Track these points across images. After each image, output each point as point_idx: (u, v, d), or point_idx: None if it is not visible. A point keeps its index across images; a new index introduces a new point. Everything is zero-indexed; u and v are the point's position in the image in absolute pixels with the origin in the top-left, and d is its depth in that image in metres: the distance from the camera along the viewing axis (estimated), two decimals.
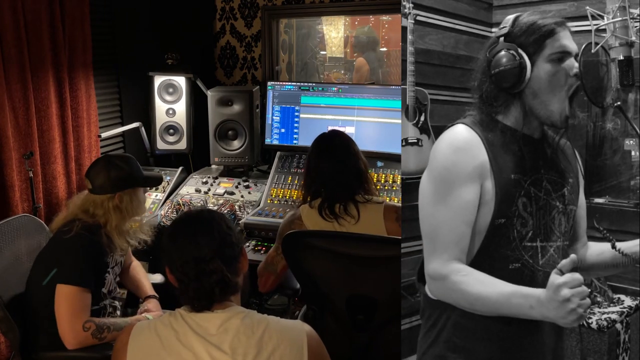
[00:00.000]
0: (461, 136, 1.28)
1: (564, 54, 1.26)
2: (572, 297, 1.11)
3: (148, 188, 2.34)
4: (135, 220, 2.10)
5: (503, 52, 1.27)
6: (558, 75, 1.25)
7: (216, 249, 1.32)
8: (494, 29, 1.35)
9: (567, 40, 1.27)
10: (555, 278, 1.14)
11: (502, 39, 1.30)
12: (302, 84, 3.24)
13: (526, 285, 1.23)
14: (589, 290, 1.16)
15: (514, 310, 1.21)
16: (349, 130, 3.06)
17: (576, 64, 1.26)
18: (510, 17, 1.32)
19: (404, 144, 2.43)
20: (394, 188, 2.85)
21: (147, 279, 2.30)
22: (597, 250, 1.46)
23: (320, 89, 3.20)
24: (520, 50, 1.26)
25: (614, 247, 1.34)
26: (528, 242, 1.27)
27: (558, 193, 1.32)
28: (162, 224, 2.76)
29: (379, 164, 2.94)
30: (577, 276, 1.13)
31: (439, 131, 1.35)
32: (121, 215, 1.99)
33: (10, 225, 2.07)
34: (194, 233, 1.34)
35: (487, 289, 1.22)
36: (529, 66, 1.25)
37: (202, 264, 1.30)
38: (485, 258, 1.26)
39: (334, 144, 2.08)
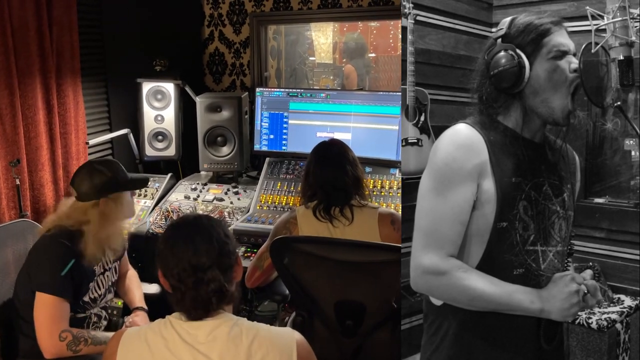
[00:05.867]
0: (463, 134, 1.28)
1: (562, 52, 1.27)
2: (578, 291, 1.22)
3: (136, 191, 2.32)
4: (122, 224, 2.07)
5: (502, 53, 1.28)
6: (557, 72, 1.26)
7: (215, 257, 1.30)
8: (494, 29, 1.37)
9: (564, 38, 1.29)
10: (562, 274, 1.26)
11: (499, 40, 1.31)
12: (290, 90, 3.25)
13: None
14: (587, 291, 1.24)
15: (514, 306, 1.23)
16: (338, 136, 3.07)
17: (575, 60, 1.27)
18: (507, 19, 1.33)
19: (404, 144, 2.44)
20: (382, 193, 2.86)
21: (140, 289, 2.28)
22: None
23: (308, 95, 3.21)
24: (518, 51, 1.27)
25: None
26: (530, 246, 1.28)
27: (559, 198, 1.33)
28: (151, 231, 2.75)
29: (367, 169, 2.95)
30: (581, 275, 1.26)
31: (439, 131, 1.35)
32: (105, 220, 1.96)
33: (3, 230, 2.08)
34: (192, 240, 1.32)
35: (488, 285, 1.23)
36: (527, 65, 1.26)
37: (200, 273, 1.28)
38: (489, 265, 1.26)
39: (333, 152, 2.13)
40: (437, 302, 1.35)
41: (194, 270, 1.29)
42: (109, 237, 2.00)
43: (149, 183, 3.09)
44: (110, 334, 1.94)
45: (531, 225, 1.28)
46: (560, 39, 1.28)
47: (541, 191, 1.30)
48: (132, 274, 2.33)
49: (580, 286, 1.23)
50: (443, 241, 1.26)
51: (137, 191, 2.98)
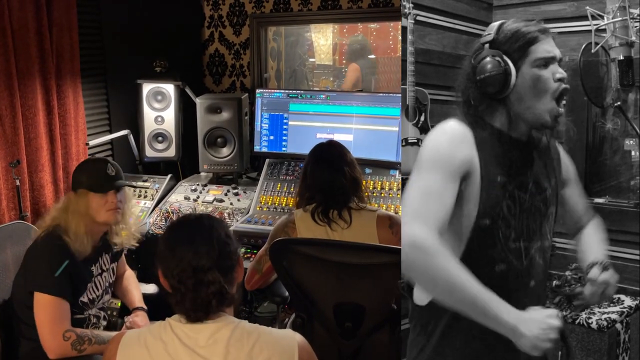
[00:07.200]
0: (455, 127, 1.29)
1: (548, 60, 1.29)
2: (558, 330, 1.16)
3: (130, 193, 2.26)
4: (83, 223, 1.95)
5: (488, 59, 1.30)
6: (541, 80, 1.28)
7: (215, 259, 1.29)
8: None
9: (550, 47, 1.30)
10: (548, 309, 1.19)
11: (487, 45, 1.32)
12: (290, 91, 3.25)
13: (510, 285, 1.27)
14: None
15: (489, 309, 1.14)
16: (339, 137, 3.07)
17: (560, 70, 1.29)
18: (495, 24, 1.34)
19: (404, 144, 2.45)
20: (382, 195, 2.86)
21: (138, 290, 2.28)
22: (583, 247, 1.49)
23: (308, 96, 3.21)
24: (505, 57, 1.29)
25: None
26: (512, 243, 1.29)
27: (542, 195, 1.34)
28: (151, 232, 2.75)
29: (367, 170, 2.95)
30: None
31: None
32: (66, 214, 1.93)
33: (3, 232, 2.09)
34: (193, 241, 1.30)
35: (470, 278, 1.16)
36: (513, 72, 1.28)
37: (200, 274, 1.27)
38: (471, 260, 1.25)
39: (331, 154, 2.13)
40: (422, 302, 1.35)
41: (194, 272, 1.27)
42: (77, 232, 1.92)
43: (149, 184, 3.11)
44: (113, 334, 1.95)
45: (513, 223, 1.28)
46: (547, 47, 1.29)
47: (525, 189, 1.31)
48: (129, 275, 2.33)
49: (560, 326, 1.17)
50: (430, 216, 1.20)
51: (133, 191, 2.98)
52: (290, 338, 1.32)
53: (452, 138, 1.28)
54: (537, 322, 1.15)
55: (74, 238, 1.91)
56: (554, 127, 1.30)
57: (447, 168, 1.25)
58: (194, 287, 1.27)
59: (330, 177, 2.04)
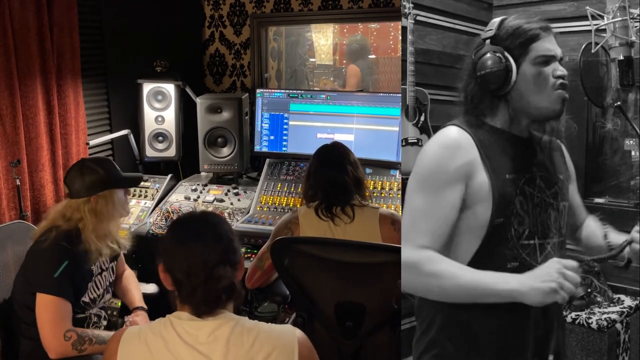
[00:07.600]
0: (452, 135, 1.30)
1: (549, 58, 1.29)
2: (563, 278, 1.17)
3: (131, 189, 2.32)
4: (116, 222, 2.06)
5: (489, 55, 1.30)
6: (542, 77, 1.29)
7: (223, 254, 1.31)
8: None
9: (551, 45, 1.31)
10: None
11: (488, 41, 1.32)
12: (291, 91, 3.25)
13: None
14: (578, 281, 1.20)
15: (485, 287, 1.20)
16: (340, 137, 3.07)
17: (560, 67, 1.30)
18: (496, 20, 1.35)
19: (404, 144, 2.46)
20: (382, 195, 2.86)
21: (138, 289, 2.28)
22: (589, 232, 1.52)
23: (309, 96, 3.21)
24: (506, 53, 1.29)
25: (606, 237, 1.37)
26: (525, 240, 1.29)
27: (551, 190, 1.34)
28: (151, 231, 2.75)
29: (367, 170, 2.95)
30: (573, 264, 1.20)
31: None
32: (97, 218, 1.95)
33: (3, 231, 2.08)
34: (201, 235, 1.32)
35: (460, 272, 1.23)
36: (514, 69, 1.28)
37: (209, 269, 1.28)
38: (483, 259, 1.27)
39: (335, 155, 2.16)
40: (408, 290, 1.35)
41: (204, 266, 1.28)
42: (106, 234, 1.99)
43: (149, 184, 3.11)
44: (113, 333, 1.95)
45: (526, 220, 1.29)
46: (548, 45, 1.30)
47: (535, 185, 1.31)
48: (129, 274, 2.33)
49: (570, 273, 1.19)
50: (421, 232, 1.26)
51: (133, 191, 2.99)
52: (291, 333, 1.32)
53: (448, 147, 1.29)
54: (535, 276, 1.19)
55: (99, 240, 1.94)
56: (560, 114, 1.30)
57: (439, 180, 1.27)
58: (205, 281, 1.28)
59: (333, 175, 2.07)
